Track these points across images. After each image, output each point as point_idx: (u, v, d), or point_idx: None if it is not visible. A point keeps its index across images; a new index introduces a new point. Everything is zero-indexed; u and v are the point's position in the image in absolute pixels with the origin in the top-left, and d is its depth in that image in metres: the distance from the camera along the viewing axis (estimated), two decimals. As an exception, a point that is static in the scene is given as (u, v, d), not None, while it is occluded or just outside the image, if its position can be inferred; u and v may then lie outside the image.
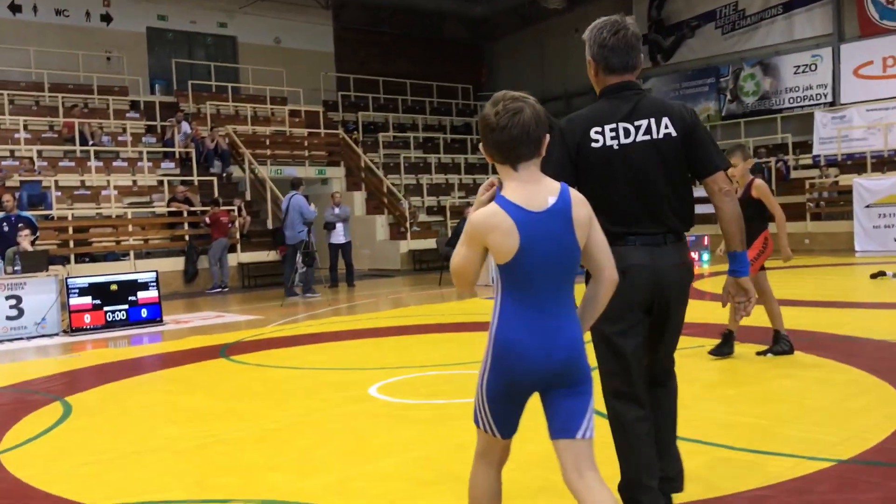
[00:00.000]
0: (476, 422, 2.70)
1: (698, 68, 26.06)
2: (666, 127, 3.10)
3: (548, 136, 2.60)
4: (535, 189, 2.53)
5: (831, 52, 23.06)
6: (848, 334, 7.60)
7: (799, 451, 4.10)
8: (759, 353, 6.79)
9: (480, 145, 2.65)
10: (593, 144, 3.09)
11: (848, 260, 17.00)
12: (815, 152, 22.73)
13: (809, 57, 23.54)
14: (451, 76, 29.36)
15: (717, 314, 9.49)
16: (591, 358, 2.75)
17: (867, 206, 19.28)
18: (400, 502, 3.67)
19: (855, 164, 21.35)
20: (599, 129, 3.09)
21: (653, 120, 3.10)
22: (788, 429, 4.52)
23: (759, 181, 6.72)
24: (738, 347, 7.13)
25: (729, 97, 25.41)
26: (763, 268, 6.90)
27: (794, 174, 22.45)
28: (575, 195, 2.59)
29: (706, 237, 17.99)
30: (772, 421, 4.70)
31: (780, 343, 6.78)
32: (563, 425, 2.56)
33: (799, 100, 23.85)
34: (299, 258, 14.61)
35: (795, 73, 23.86)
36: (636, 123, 3.09)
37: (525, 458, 4.21)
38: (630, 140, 3.09)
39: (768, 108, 24.44)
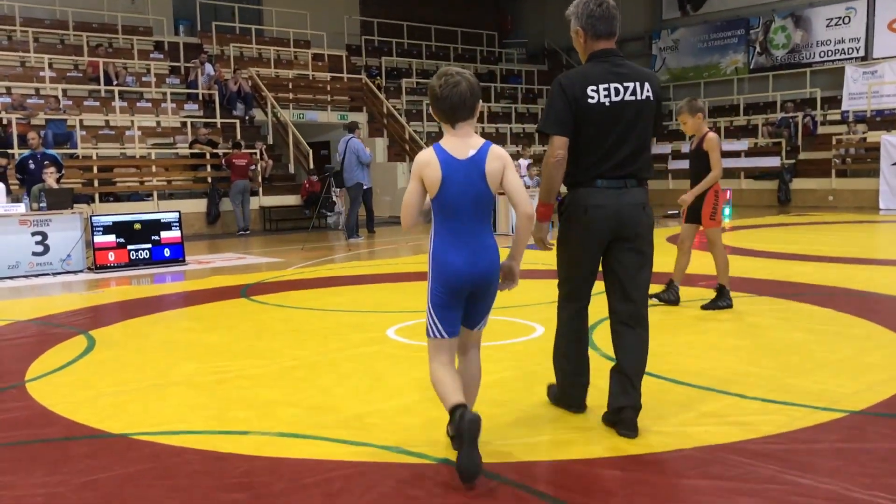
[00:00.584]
0: (427, 334, 3.47)
1: (728, 19, 25.55)
2: (647, 91, 3.70)
3: (480, 101, 3.40)
4: (463, 143, 3.31)
5: (866, 4, 22.52)
6: (866, 290, 7.57)
7: (811, 401, 4.13)
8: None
9: (430, 108, 3.40)
10: (589, 100, 3.63)
11: (871, 217, 16.82)
12: (844, 108, 22.36)
13: (843, 9, 23.01)
14: (476, 23, 28.98)
15: (735, 268, 9.50)
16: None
17: (894, 164, 19.01)
18: (414, 438, 3.75)
19: (884, 120, 20.99)
20: (595, 87, 3.64)
21: (637, 84, 3.68)
22: (801, 380, 4.54)
23: (711, 135, 6.69)
24: (756, 301, 7.14)
25: (758, 49, 24.95)
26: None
27: (821, 130, 22.14)
28: (492, 153, 3.31)
29: (728, 191, 17.82)
30: (784, 372, 4.72)
31: (723, 298, 6.80)
32: (470, 321, 3.50)
33: (830, 53, 23.39)
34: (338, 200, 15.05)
35: (828, 25, 23.35)
36: (625, 84, 3.66)
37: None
38: (619, 98, 3.65)
39: (798, 62, 24.00)
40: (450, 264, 3.32)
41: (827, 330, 5.88)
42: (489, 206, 3.38)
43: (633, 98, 3.65)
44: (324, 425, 4.00)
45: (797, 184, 21.16)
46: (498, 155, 3.31)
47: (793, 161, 21.49)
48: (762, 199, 21.66)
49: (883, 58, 22.18)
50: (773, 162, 21.65)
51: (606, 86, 3.62)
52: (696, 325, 6.23)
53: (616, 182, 3.68)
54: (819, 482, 3.11)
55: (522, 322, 6.46)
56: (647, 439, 3.64)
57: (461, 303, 3.39)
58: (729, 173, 22.45)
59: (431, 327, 3.43)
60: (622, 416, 3.71)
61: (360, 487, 3.19)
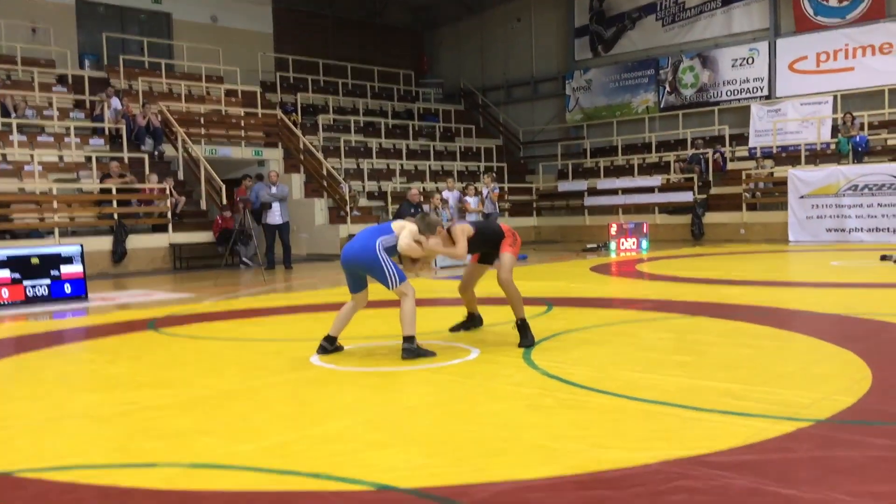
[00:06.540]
0: None
1: (638, 60, 26.13)
2: None
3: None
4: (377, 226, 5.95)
5: (768, 45, 23.35)
6: (797, 308, 7.50)
7: (773, 412, 3.88)
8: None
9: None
10: None
11: (782, 248, 17.17)
12: (751, 144, 23.00)
13: (747, 50, 23.79)
14: (393, 62, 28.88)
15: (665, 292, 9.39)
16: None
17: (801, 197, 19.55)
18: (348, 464, 3.31)
19: (789, 156, 21.66)
20: None
21: None
22: (757, 392, 4.30)
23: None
24: (693, 320, 6.96)
25: (668, 89, 25.54)
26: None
27: (730, 165, 22.67)
28: (395, 223, 5.85)
29: (645, 224, 17.98)
30: (738, 385, 4.47)
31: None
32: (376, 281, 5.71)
33: (736, 92, 24.10)
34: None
35: (733, 66, 24.09)
36: None
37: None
38: None
39: (706, 101, 24.64)
40: (342, 252, 5.81)
41: (770, 345, 5.70)
42: (376, 235, 5.66)
43: None
44: (243, 454, 3.52)
45: (710, 218, 21.54)
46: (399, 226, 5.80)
47: (705, 196, 21.90)
48: (676, 233, 21.96)
49: (785, 97, 22.98)
50: (685, 197, 22.03)
51: None
52: (636, 343, 5.98)
53: None
54: (803, 492, 2.82)
55: (457, 345, 6.09)
56: (609, 455, 3.30)
57: (349, 272, 5.81)
58: (643, 208, 22.79)
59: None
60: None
61: (288, 519, 2.74)
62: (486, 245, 6.28)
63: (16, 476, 3.33)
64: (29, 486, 3.20)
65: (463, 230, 6.05)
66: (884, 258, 12.28)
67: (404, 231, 5.69)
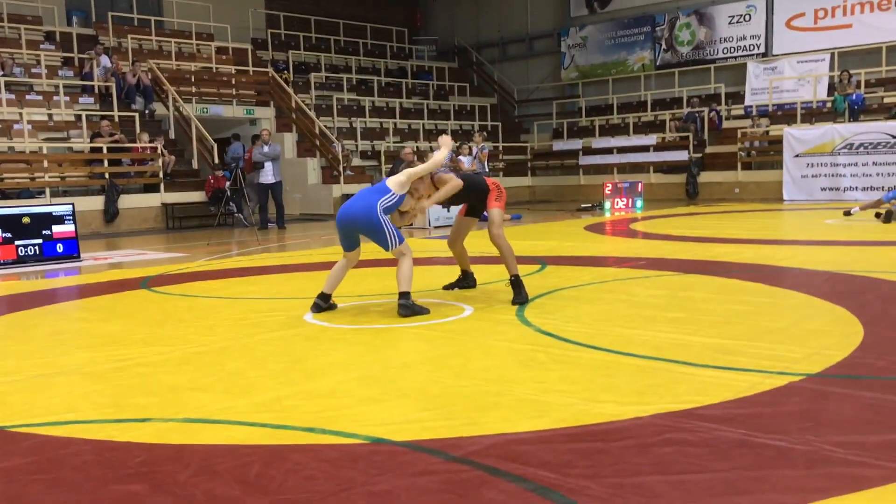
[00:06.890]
0: None
1: (634, 17, 25.84)
2: None
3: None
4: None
5: (765, 2, 23.10)
6: (790, 266, 7.51)
7: (765, 367, 3.89)
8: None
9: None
10: None
11: (777, 207, 17.17)
12: (747, 103, 22.86)
13: (744, 7, 23.55)
14: (386, 19, 28.54)
15: (657, 250, 9.40)
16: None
17: (796, 156, 19.51)
18: (342, 419, 3.32)
19: (785, 114, 21.55)
20: None
21: None
22: (748, 347, 4.31)
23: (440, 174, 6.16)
24: (685, 277, 6.97)
25: (664, 46, 25.31)
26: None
27: (726, 124, 22.57)
28: (389, 180, 5.75)
29: (640, 183, 17.95)
30: (730, 340, 4.49)
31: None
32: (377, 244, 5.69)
33: (732, 50, 23.90)
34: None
35: (730, 23, 23.86)
36: None
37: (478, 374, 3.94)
38: None
39: (702, 58, 24.44)
40: (339, 212, 5.78)
41: (762, 301, 5.72)
42: (378, 195, 5.63)
43: None
44: (237, 409, 3.53)
45: (704, 177, 21.52)
46: (394, 180, 5.71)
47: (700, 155, 21.84)
48: (671, 192, 21.94)
49: (782, 54, 22.80)
50: (680, 156, 21.97)
51: None
52: (629, 300, 5.99)
53: None
54: (793, 444, 2.84)
55: (451, 303, 6.09)
56: (600, 409, 3.32)
57: (344, 232, 5.78)
58: (638, 168, 22.75)
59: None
60: None
61: (281, 472, 2.75)
62: (471, 196, 6.28)
63: (10, 431, 3.34)
64: (24, 440, 3.20)
65: (448, 178, 6.03)
66: (847, 214, 12.32)
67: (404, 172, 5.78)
